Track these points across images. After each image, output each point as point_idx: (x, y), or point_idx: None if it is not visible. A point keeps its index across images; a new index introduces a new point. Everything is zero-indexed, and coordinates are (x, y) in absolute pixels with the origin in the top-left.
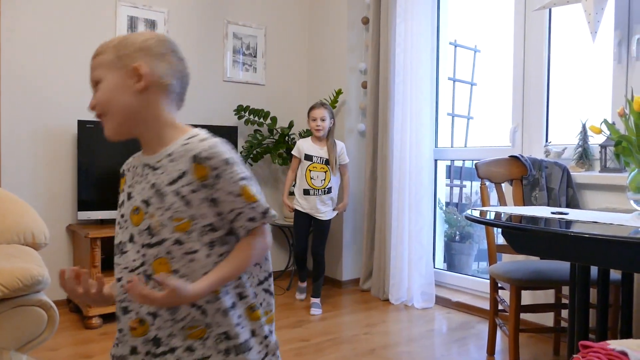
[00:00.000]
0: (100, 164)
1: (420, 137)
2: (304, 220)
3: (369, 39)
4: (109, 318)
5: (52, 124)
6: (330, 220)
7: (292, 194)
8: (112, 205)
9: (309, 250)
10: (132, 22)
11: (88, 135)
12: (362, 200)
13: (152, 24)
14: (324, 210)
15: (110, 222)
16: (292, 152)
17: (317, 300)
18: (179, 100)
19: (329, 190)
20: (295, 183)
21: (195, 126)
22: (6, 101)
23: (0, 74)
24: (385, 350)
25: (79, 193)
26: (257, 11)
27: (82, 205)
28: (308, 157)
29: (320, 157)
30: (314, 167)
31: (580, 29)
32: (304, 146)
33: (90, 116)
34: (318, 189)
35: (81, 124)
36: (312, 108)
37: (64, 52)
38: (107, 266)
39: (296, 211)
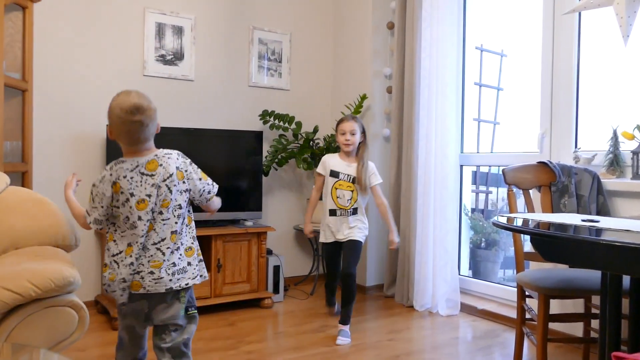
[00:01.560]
0: None
1: (445, 143)
2: (332, 248)
3: (394, 43)
4: None
5: (82, 129)
6: (361, 241)
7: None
8: None
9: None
10: (160, 29)
11: None
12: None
13: (179, 31)
14: (350, 231)
15: None
16: (317, 170)
17: (345, 328)
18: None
19: (355, 211)
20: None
21: (221, 131)
22: (38, 107)
23: (32, 81)
24: (409, 357)
25: None
26: (282, 17)
27: None
28: (334, 174)
29: (348, 175)
30: (340, 185)
31: (611, 33)
32: (330, 162)
33: None
34: (345, 209)
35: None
36: (341, 121)
37: (93, 59)
38: None
39: (324, 244)
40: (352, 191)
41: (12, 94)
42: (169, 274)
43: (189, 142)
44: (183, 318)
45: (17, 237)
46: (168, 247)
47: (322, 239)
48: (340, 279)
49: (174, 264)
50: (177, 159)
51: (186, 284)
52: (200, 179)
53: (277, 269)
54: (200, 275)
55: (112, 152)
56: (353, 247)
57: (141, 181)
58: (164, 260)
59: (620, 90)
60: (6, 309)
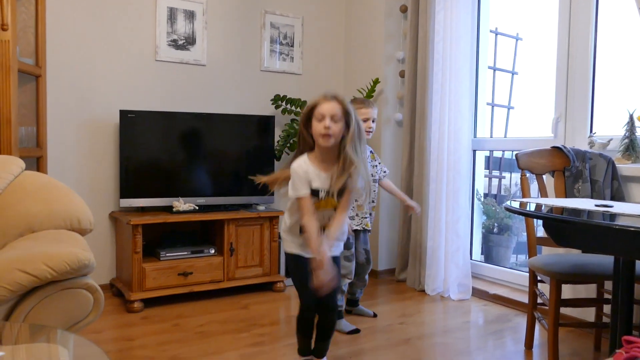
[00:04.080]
0: (141, 152)
1: (458, 127)
2: (305, 265)
3: (407, 27)
4: (150, 302)
5: (95, 114)
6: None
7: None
8: (153, 192)
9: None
10: (172, 13)
11: (130, 124)
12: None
13: (191, 15)
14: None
15: (151, 210)
16: (295, 185)
17: None
18: None
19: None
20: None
21: (233, 115)
22: (52, 93)
23: (46, 67)
24: (420, 341)
25: (120, 181)
26: (294, 1)
27: (124, 192)
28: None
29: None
30: (319, 206)
31: (629, 16)
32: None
33: (132, 106)
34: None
35: (123, 113)
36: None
37: (106, 44)
38: (148, 252)
39: (291, 255)
40: (334, 208)
41: (26, 80)
42: None
43: (201, 127)
44: None
45: (33, 221)
46: None
47: (287, 248)
48: (319, 311)
49: None
50: None
51: None
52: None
53: None
54: None
55: (126, 137)
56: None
57: None
58: None
59: (638, 74)
60: (23, 290)
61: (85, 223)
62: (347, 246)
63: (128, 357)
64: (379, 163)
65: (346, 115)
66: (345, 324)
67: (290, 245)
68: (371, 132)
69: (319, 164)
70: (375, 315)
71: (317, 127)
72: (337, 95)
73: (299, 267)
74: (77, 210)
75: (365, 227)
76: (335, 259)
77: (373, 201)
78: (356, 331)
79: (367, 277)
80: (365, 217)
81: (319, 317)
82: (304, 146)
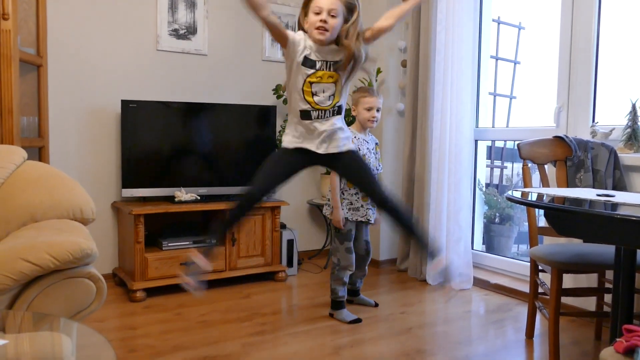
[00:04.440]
0: (142, 142)
1: (460, 117)
2: (290, 157)
3: (409, 16)
4: (152, 292)
5: (97, 104)
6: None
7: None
8: (155, 182)
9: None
10: (173, 3)
11: (131, 114)
12: (400, 180)
13: (192, 4)
14: (339, 138)
15: (153, 200)
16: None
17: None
18: None
19: (339, 111)
20: None
21: (234, 105)
22: (53, 83)
23: (47, 57)
24: (421, 330)
25: (122, 171)
26: None
27: (126, 182)
28: (308, 63)
29: (326, 62)
30: (317, 78)
31: (632, 5)
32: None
33: (133, 96)
34: (324, 111)
35: (124, 103)
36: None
37: (107, 33)
38: (150, 242)
39: (283, 149)
40: (335, 82)
41: (27, 70)
42: None
43: (203, 117)
44: None
45: (35, 210)
46: None
47: (285, 140)
48: (386, 209)
49: None
50: None
51: None
52: None
53: (290, 242)
54: None
55: (127, 127)
56: (363, 164)
57: None
58: None
59: None
60: (26, 279)
61: (88, 213)
62: (347, 238)
63: (131, 346)
64: (379, 158)
65: (349, 7)
66: (346, 313)
67: (285, 138)
68: (375, 121)
69: (316, 43)
70: (376, 305)
71: (312, 18)
72: None
73: (274, 156)
74: (79, 200)
75: (369, 220)
76: (356, 156)
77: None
78: (358, 321)
79: (366, 267)
80: (370, 209)
81: (388, 215)
82: None
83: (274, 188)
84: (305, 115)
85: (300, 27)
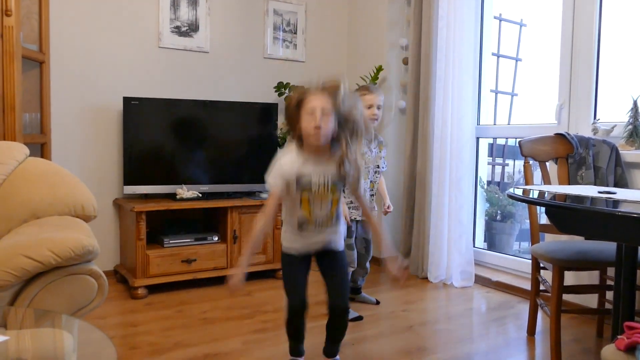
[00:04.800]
0: (144, 139)
1: (462, 115)
2: (300, 263)
3: (411, 14)
4: (153, 289)
5: (99, 101)
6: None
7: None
8: (156, 180)
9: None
10: (175, 0)
11: (133, 111)
12: (401, 178)
13: (194, 2)
14: (331, 238)
15: (155, 197)
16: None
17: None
18: None
19: (337, 219)
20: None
21: (236, 103)
22: (55, 79)
23: (49, 53)
24: (422, 328)
25: (124, 168)
26: None
27: (128, 179)
28: (302, 183)
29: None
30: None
31: (634, 1)
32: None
33: (135, 93)
34: (324, 223)
35: (126, 100)
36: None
37: (109, 30)
38: (152, 239)
39: (286, 255)
40: (333, 192)
41: (29, 66)
42: None
43: (205, 114)
44: None
45: (37, 207)
46: None
47: (285, 244)
48: (330, 313)
49: None
50: None
51: None
52: None
53: None
54: None
55: (129, 124)
56: (342, 266)
57: None
58: None
59: None
60: (28, 276)
61: (89, 209)
62: (348, 234)
63: (132, 343)
64: (384, 156)
65: (337, 108)
66: None
67: (283, 237)
68: (376, 119)
69: (310, 154)
70: (378, 303)
71: (307, 122)
72: (329, 84)
73: (287, 264)
74: (81, 196)
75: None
76: (340, 256)
77: (373, 195)
78: (359, 318)
79: (368, 264)
80: (373, 208)
81: (330, 319)
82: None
83: (306, 288)
84: (301, 227)
85: (294, 135)
